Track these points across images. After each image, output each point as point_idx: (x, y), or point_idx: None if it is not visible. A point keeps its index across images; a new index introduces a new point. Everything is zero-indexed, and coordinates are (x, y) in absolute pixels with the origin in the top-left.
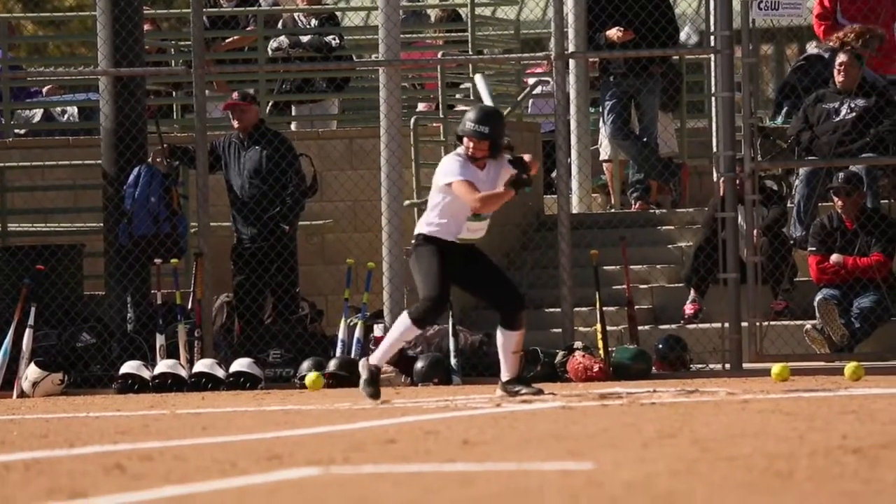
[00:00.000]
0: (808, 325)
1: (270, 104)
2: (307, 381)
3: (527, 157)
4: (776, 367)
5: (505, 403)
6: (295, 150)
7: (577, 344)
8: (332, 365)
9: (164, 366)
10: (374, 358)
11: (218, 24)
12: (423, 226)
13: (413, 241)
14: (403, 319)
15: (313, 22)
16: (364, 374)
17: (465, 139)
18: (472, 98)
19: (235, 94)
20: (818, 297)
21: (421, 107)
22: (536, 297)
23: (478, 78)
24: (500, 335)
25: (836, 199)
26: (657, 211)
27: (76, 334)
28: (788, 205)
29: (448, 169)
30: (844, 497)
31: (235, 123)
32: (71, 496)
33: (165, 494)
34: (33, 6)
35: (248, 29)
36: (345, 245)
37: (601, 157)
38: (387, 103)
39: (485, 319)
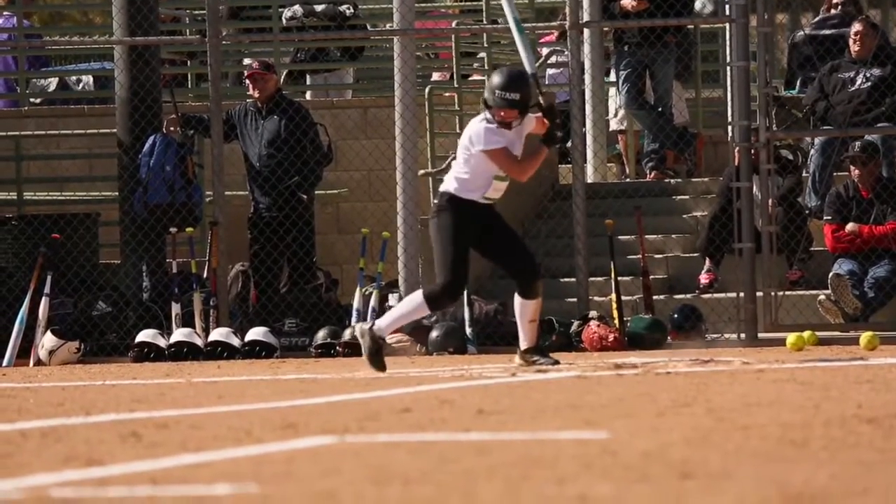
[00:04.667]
0: (822, 295)
1: (285, 73)
2: None
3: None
4: (791, 337)
5: (520, 373)
6: (311, 119)
7: (592, 313)
8: (347, 334)
9: (179, 334)
10: (379, 328)
11: None
12: (452, 182)
13: (436, 202)
14: (417, 297)
15: None
16: (368, 344)
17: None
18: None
19: (255, 63)
20: (831, 272)
21: (435, 76)
22: (552, 266)
23: (504, 1)
24: (517, 303)
25: (851, 168)
26: (672, 181)
27: (92, 303)
28: (804, 174)
29: (482, 135)
30: (859, 466)
31: (256, 93)
32: (87, 464)
33: (181, 462)
34: None
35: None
36: (360, 214)
37: (611, 128)
38: (401, 73)
39: (500, 288)
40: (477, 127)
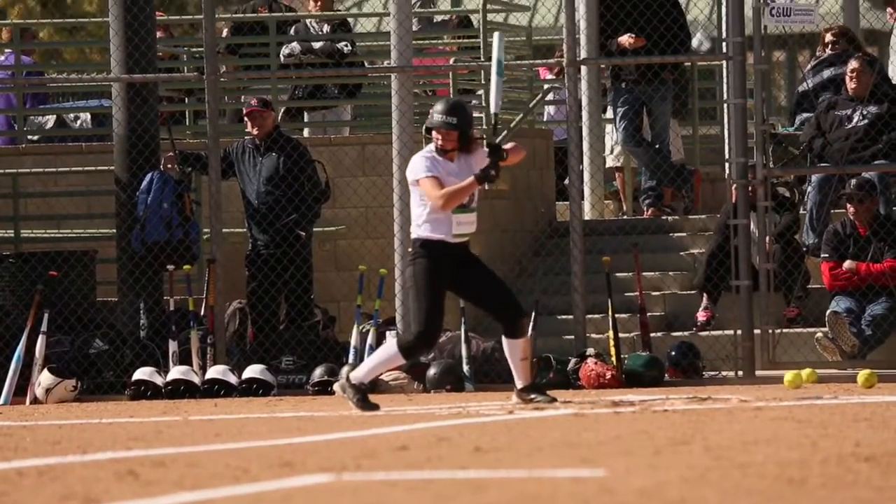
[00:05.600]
0: (820, 333)
1: (283, 110)
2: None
3: (508, 146)
4: (789, 375)
5: (517, 410)
6: (310, 156)
7: (590, 351)
8: (344, 372)
9: (176, 372)
10: (357, 377)
11: (243, 30)
12: (416, 228)
13: (410, 249)
14: (391, 346)
15: (325, 28)
16: (352, 394)
17: (433, 132)
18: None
19: (254, 101)
20: (829, 310)
21: None
22: (549, 303)
23: (496, 35)
24: (505, 344)
25: (848, 205)
26: (669, 218)
27: (89, 340)
28: (801, 211)
29: (415, 166)
30: None
31: (255, 130)
32: (84, 502)
33: (178, 501)
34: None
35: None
36: (357, 251)
37: (608, 165)
38: (399, 110)
39: (497, 326)
40: (414, 157)
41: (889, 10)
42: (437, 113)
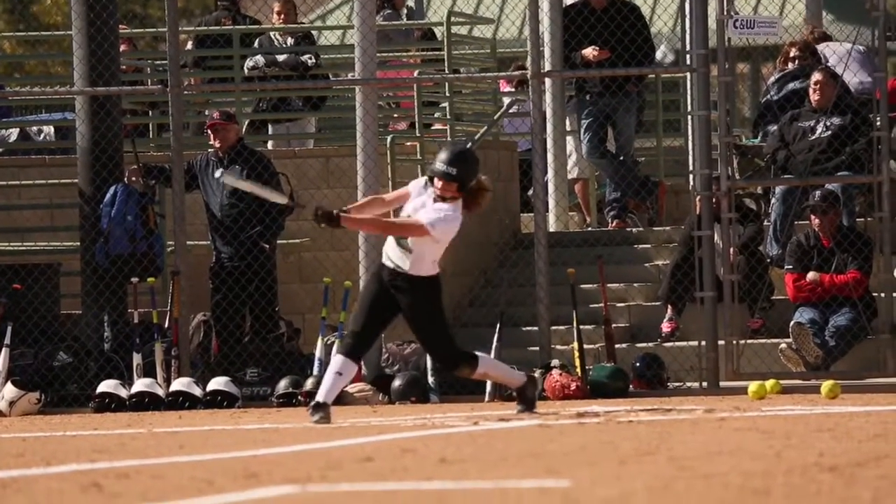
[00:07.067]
0: (783, 344)
1: (247, 123)
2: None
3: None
4: (753, 385)
5: (482, 422)
6: (273, 168)
7: (555, 362)
8: (308, 384)
9: (141, 384)
10: (321, 396)
11: (207, 42)
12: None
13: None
14: (335, 356)
15: (289, 41)
16: (319, 417)
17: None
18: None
19: (216, 114)
20: (792, 321)
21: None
22: (514, 315)
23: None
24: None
25: (812, 217)
26: (634, 229)
27: (53, 353)
28: (765, 223)
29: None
30: None
31: (217, 143)
32: None
33: None
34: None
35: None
36: (321, 264)
37: (570, 177)
38: (363, 122)
39: (462, 337)
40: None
41: None
42: (439, 161)
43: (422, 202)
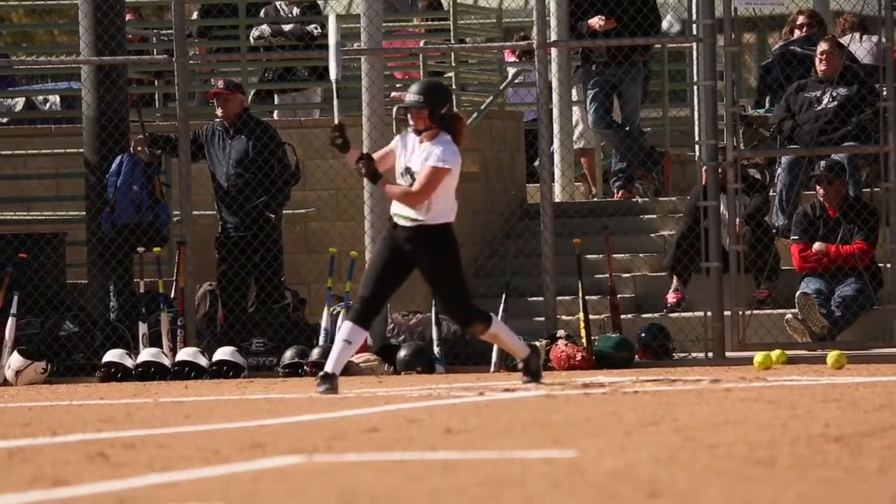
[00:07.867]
0: (789, 314)
1: (253, 93)
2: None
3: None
4: (759, 356)
5: (488, 392)
6: (279, 138)
7: (560, 332)
8: (314, 354)
9: (146, 354)
10: (330, 367)
11: (212, 12)
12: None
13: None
14: (345, 323)
15: (295, 10)
16: (325, 387)
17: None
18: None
19: (220, 83)
20: (798, 291)
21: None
22: (520, 285)
23: (331, 18)
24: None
25: (818, 187)
26: (640, 200)
27: (59, 323)
28: (771, 193)
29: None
30: (826, 485)
31: (219, 112)
32: (54, 484)
33: (148, 482)
34: None
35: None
36: (327, 234)
37: (575, 147)
38: (369, 92)
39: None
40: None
41: None
42: (407, 94)
43: (411, 151)
